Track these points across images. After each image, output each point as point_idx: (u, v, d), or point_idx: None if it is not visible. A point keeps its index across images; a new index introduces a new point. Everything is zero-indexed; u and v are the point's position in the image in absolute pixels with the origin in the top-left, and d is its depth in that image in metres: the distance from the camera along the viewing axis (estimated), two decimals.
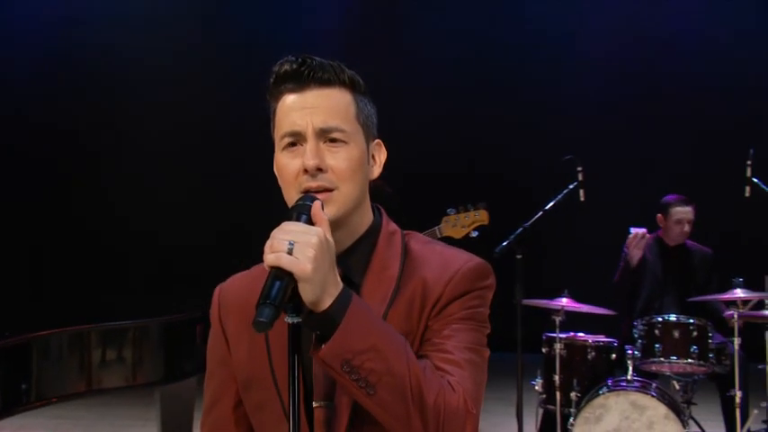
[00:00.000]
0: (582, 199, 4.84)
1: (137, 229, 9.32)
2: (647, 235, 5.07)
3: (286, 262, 1.36)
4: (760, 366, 4.78)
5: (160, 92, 9.34)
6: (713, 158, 7.24)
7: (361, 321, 1.42)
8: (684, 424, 4.46)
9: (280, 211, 4.68)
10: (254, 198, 8.90)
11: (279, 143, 1.57)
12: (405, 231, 1.67)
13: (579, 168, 4.85)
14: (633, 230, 5.04)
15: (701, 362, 4.67)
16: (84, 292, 8.43)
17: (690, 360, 4.65)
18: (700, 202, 5.36)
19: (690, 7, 8.68)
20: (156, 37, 9.42)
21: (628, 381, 4.61)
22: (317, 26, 9.29)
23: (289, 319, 1.41)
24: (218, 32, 9.50)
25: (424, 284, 1.54)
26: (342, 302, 1.41)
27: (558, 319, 4.80)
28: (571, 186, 4.86)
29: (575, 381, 4.80)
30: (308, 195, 1.50)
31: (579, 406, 4.64)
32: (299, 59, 1.56)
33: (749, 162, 4.56)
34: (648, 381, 4.67)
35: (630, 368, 4.65)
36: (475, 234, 3.80)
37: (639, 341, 4.77)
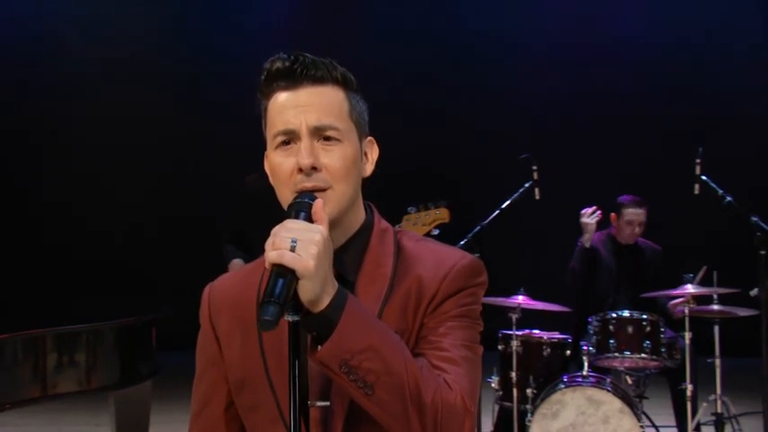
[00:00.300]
0: (537, 197, 4.89)
1: (93, 230, 9.17)
2: (599, 212, 5.18)
3: (289, 259, 1.34)
4: (709, 360, 4.89)
5: (115, 91, 9.20)
6: (665, 157, 7.35)
7: (358, 321, 1.41)
8: (639, 418, 4.54)
9: (236, 211, 4.58)
10: (210, 197, 8.85)
11: (271, 142, 1.55)
12: (396, 229, 1.66)
13: (534, 167, 4.90)
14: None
15: (654, 356, 4.76)
16: (39, 296, 8.27)
17: (643, 355, 4.73)
18: (651, 199, 5.45)
19: (641, 9, 8.82)
20: (112, 35, 9.28)
21: (583, 376, 4.67)
22: (264, 26, 9.23)
23: (289, 318, 1.39)
24: (175, 31, 9.39)
25: (419, 282, 1.53)
26: (339, 302, 1.40)
27: (514, 317, 4.84)
28: (527, 185, 4.91)
29: (531, 377, 4.85)
30: (307, 193, 1.48)
31: (536, 402, 4.69)
32: (292, 57, 1.53)
33: (698, 161, 4.65)
34: (603, 376, 4.74)
35: (586, 364, 4.71)
36: (436, 232, 3.81)
37: (594, 337, 4.84)
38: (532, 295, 4.95)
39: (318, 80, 1.53)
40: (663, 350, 4.77)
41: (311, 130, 1.51)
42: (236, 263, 4.31)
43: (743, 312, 4.75)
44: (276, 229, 1.39)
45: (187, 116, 9.21)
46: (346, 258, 1.56)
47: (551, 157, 5.65)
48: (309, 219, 1.42)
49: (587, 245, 5.26)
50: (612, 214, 5.40)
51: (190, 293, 8.65)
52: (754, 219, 4.44)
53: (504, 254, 6.93)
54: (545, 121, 8.37)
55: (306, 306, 1.38)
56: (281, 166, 1.52)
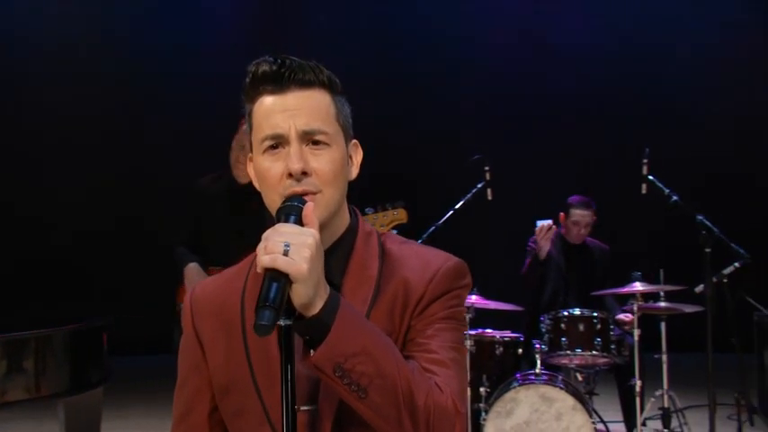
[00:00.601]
0: (490, 198, 4.93)
1: (35, 231, 8.91)
2: (554, 227, 5.22)
3: (282, 263, 1.32)
4: (656, 356, 4.99)
5: (60, 91, 8.97)
6: (613, 157, 7.46)
7: (351, 324, 1.39)
8: (590, 414, 4.61)
9: (177, 209, 4.50)
10: (153, 197, 8.69)
11: (259, 146, 1.53)
12: (380, 232, 1.65)
13: (486, 168, 4.95)
14: (540, 223, 5.17)
15: (604, 353, 4.84)
16: None
17: (594, 352, 4.81)
18: (600, 198, 5.54)
19: (587, 10, 8.95)
20: (55, 33, 9.04)
21: (536, 374, 4.72)
22: (213, 27, 9.11)
23: (281, 322, 1.37)
24: (119, 31, 9.19)
25: (405, 284, 1.53)
26: (332, 305, 1.38)
27: (467, 317, 4.87)
28: (479, 186, 4.95)
29: (484, 376, 4.88)
30: (297, 197, 1.46)
31: (490, 401, 4.72)
32: (279, 60, 1.52)
33: (645, 161, 4.74)
34: (555, 374, 4.79)
35: (539, 362, 4.76)
36: (394, 233, 3.81)
37: (546, 335, 4.89)
38: (485, 295, 4.99)
39: (306, 84, 1.52)
40: (612, 347, 4.85)
41: (300, 135, 1.49)
42: (193, 266, 4.23)
43: (689, 309, 4.85)
44: (268, 234, 1.37)
45: (127, 116, 9.02)
46: (332, 261, 1.54)
47: (503, 158, 5.69)
48: (299, 222, 1.41)
49: (542, 257, 5.29)
50: (561, 214, 5.48)
51: (135, 298, 8.60)
52: (700, 218, 4.55)
53: (457, 254, 6.97)
54: (498, 122, 8.43)
55: (298, 310, 1.36)
56: (269, 170, 1.50)
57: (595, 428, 4.58)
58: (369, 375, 1.38)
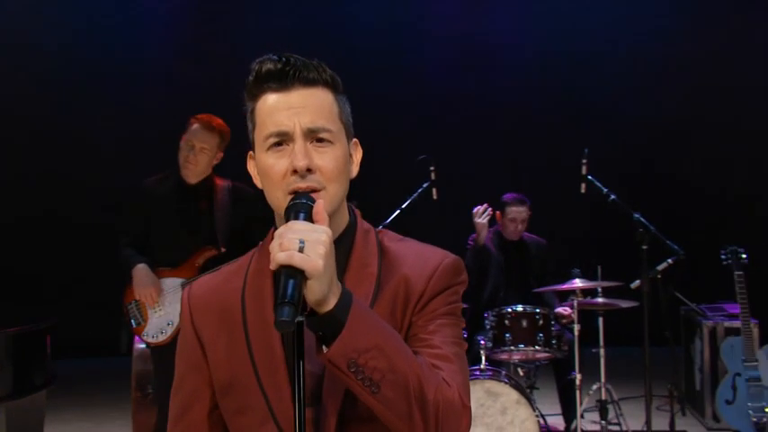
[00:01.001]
0: (435, 197, 5.00)
1: None
2: (489, 209, 5.34)
3: (298, 260, 1.32)
4: (594, 350, 5.14)
5: None
6: (553, 156, 7.58)
7: (364, 320, 1.40)
8: (533, 408, 4.72)
9: (136, 214, 4.40)
10: (73, 196, 8.50)
11: (263, 143, 1.52)
12: (377, 229, 1.66)
13: (432, 168, 5.02)
14: (477, 208, 5.32)
15: (546, 348, 4.95)
16: None
17: (536, 347, 4.92)
18: (542, 198, 5.67)
19: (527, 10, 9.07)
20: None
21: (481, 370, 4.80)
22: (143, 28, 8.95)
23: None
24: (44, 31, 8.93)
25: (406, 281, 1.54)
26: (345, 302, 1.39)
27: None
28: (425, 185, 5.01)
29: None
30: (305, 194, 1.46)
31: None
32: (283, 58, 1.52)
33: (584, 161, 4.87)
34: (499, 369, 4.89)
35: (483, 357, 4.85)
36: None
37: (491, 331, 4.98)
38: None
39: (310, 82, 1.52)
40: (553, 342, 4.98)
41: (305, 132, 1.50)
42: (141, 267, 4.17)
43: (625, 304, 5.01)
44: (282, 231, 1.37)
45: (61, 116, 8.79)
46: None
47: (448, 158, 5.76)
48: (309, 219, 1.41)
49: (481, 242, 5.42)
50: (497, 213, 5.60)
51: (80, 300, 8.35)
52: (636, 216, 4.69)
53: None
54: (443, 123, 8.49)
55: (312, 306, 1.36)
56: (273, 167, 1.50)
57: (539, 422, 4.70)
58: (381, 370, 1.39)
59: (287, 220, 1.42)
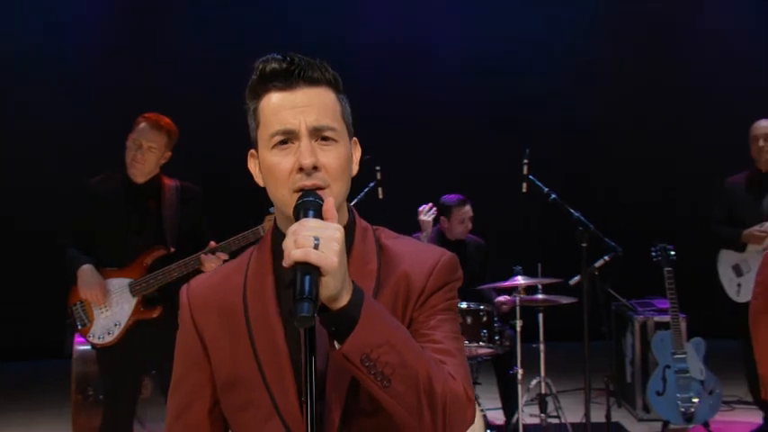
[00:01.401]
0: (380, 197, 5.03)
1: None
2: (434, 208, 5.43)
3: (315, 257, 1.32)
4: (534, 345, 5.26)
5: None
6: (495, 157, 7.64)
7: (375, 316, 1.41)
8: (479, 402, 4.79)
9: (79, 213, 4.30)
10: (12, 200, 8.23)
11: (267, 141, 1.53)
12: (374, 227, 1.67)
13: (378, 168, 5.05)
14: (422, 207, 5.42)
15: (490, 344, 5.03)
16: None
17: (480, 343, 5.00)
18: (484, 197, 5.76)
19: (467, 11, 9.12)
20: None
21: None
22: (74, 30, 8.71)
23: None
24: None
25: (406, 278, 1.55)
26: (357, 298, 1.39)
27: None
28: (371, 185, 5.04)
29: None
30: (312, 192, 1.47)
31: None
32: (288, 58, 1.52)
33: (525, 161, 4.97)
34: None
35: None
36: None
37: None
38: None
39: (314, 81, 1.53)
40: (496, 338, 5.07)
41: (310, 131, 1.50)
42: (87, 268, 4.06)
43: (565, 300, 5.13)
44: (296, 228, 1.36)
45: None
46: None
47: (393, 158, 5.79)
48: (319, 217, 1.41)
49: (426, 241, 5.49)
50: (442, 217, 5.68)
51: (22, 302, 8.06)
52: (576, 214, 4.81)
53: None
54: (386, 123, 8.49)
55: (325, 303, 1.37)
56: (278, 165, 1.51)
57: (484, 416, 4.77)
58: (392, 365, 1.40)
59: (296, 218, 1.42)
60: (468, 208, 5.68)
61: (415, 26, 9.01)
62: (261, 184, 1.60)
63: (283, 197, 1.51)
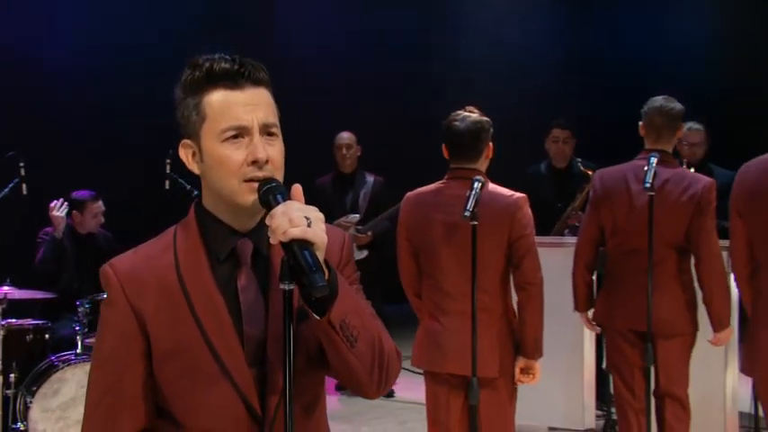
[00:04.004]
0: (25, 192, 4.82)
1: None
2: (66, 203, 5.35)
3: (311, 234, 1.40)
4: None
5: None
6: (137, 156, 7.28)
7: (344, 286, 1.51)
8: None
9: None
10: None
11: (218, 135, 1.55)
12: None
13: (21, 164, 4.83)
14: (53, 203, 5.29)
15: None
16: None
17: None
18: (116, 194, 5.73)
19: (348, 13, 8.48)
20: None
21: (77, 354, 4.80)
22: None
23: (285, 287, 1.43)
24: None
25: (327, 252, 1.55)
26: (333, 271, 1.48)
27: (1, 308, 4.70)
28: (15, 181, 4.80)
29: (14, 363, 4.77)
30: (271, 179, 1.53)
31: (29, 384, 4.64)
32: (236, 60, 1.58)
33: (168, 161, 5.17)
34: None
35: (80, 343, 4.86)
36: None
37: (86, 318, 4.96)
38: (18, 285, 4.87)
39: (258, 82, 1.58)
40: None
41: (261, 127, 1.56)
42: None
43: None
44: (285, 209, 1.43)
45: None
46: (262, 235, 1.59)
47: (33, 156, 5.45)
48: (287, 200, 1.48)
49: (59, 235, 5.36)
50: (74, 211, 5.60)
51: None
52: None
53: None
54: (22, 122, 7.52)
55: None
56: (230, 157, 1.54)
57: None
58: (358, 328, 1.51)
59: (265, 202, 1.50)
60: (100, 203, 5.68)
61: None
62: (196, 171, 1.63)
63: (233, 185, 1.55)
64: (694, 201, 3.68)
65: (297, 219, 1.41)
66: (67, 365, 4.68)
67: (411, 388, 5.41)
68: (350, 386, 1.63)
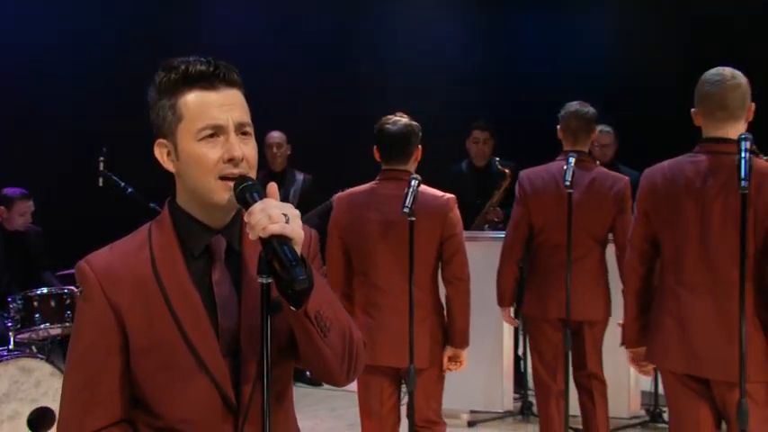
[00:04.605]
0: None
1: None
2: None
3: (290, 230, 1.43)
4: None
5: None
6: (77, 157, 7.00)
7: (318, 279, 1.54)
8: None
9: None
10: None
11: (195, 134, 1.57)
12: None
13: None
14: None
15: (71, 324, 5.09)
16: None
17: (67, 324, 5.01)
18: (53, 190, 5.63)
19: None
20: None
21: (9, 350, 4.72)
22: None
23: (263, 280, 1.45)
24: None
25: None
26: (308, 265, 1.50)
27: None
28: None
29: None
30: (246, 177, 1.55)
31: None
32: (211, 62, 1.60)
33: (102, 159, 5.12)
34: (28, 347, 4.86)
35: (12, 339, 4.77)
36: None
37: (19, 314, 4.88)
38: None
39: (232, 83, 1.61)
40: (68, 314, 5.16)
41: (236, 126, 1.58)
42: None
43: None
44: (263, 206, 1.45)
45: None
46: (233, 232, 1.65)
47: None
48: (263, 198, 1.50)
49: None
50: (2, 207, 5.50)
51: None
52: (152, 205, 5.10)
53: None
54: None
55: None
56: (206, 155, 1.57)
57: None
58: (330, 319, 1.55)
59: (241, 199, 1.51)
60: (30, 203, 5.60)
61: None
62: (171, 169, 1.64)
63: (208, 182, 1.57)
64: (618, 198, 3.99)
65: (276, 216, 1.43)
66: (0, 362, 4.60)
67: None
68: (320, 375, 1.66)
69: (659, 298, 3.08)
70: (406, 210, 3.21)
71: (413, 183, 3.30)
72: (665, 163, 3.10)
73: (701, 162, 2.95)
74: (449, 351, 3.57)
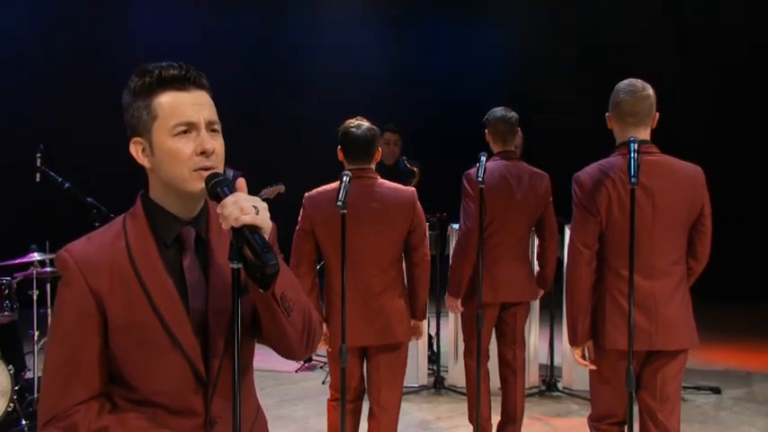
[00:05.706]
0: None
1: None
2: None
3: (260, 220, 1.51)
4: (42, 310, 5.44)
5: None
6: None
7: (283, 264, 1.63)
8: (6, 364, 4.88)
9: None
10: None
11: (170, 130, 1.65)
12: None
13: None
14: None
15: (11, 313, 5.13)
16: None
17: (6, 312, 5.03)
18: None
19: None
20: None
21: None
22: None
23: (234, 266, 1.53)
24: None
25: None
26: (275, 251, 1.56)
27: None
28: None
29: None
30: (217, 173, 1.63)
31: None
32: (182, 66, 1.69)
33: (39, 155, 5.13)
34: None
35: None
36: None
37: None
38: None
39: (201, 86, 1.71)
40: (15, 306, 5.18)
41: (206, 123, 1.67)
42: None
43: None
44: (236, 199, 1.52)
45: None
46: (201, 222, 1.73)
47: None
48: (233, 191, 1.58)
49: None
50: None
51: None
52: (90, 200, 5.17)
53: None
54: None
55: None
56: (181, 149, 1.64)
57: (10, 374, 4.87)
58: (292, 300, 1.64)
59: (213, 193, 1.59)
60: None
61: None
62: (146, 165, 1.70)
63: (183, 174, 1.64)
64: (547, 192, 4.35)
65: (247, 207, 1.51)
66: None
67: (265, 359, 5.72)
68: (281, 350, 1.76)
69: (606, 287, 3.18)
70: (339, 203, 3.34)
71: (345, 179, 3.42)
72: (596, 165, 3.24)
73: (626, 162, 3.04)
74: (411, 323, 3.78)
